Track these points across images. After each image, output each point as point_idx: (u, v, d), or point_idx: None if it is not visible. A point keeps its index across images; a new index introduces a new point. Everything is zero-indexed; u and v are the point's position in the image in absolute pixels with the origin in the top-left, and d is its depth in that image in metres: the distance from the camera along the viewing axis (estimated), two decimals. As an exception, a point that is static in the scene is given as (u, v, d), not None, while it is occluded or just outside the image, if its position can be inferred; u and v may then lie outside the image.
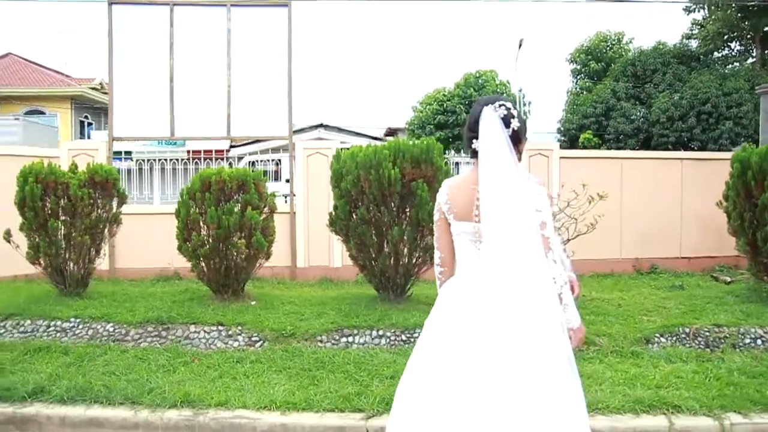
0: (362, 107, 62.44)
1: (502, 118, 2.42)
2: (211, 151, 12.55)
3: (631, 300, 6.64)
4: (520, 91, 24.95)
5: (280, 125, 9.29)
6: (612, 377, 4.63)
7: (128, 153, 14.77)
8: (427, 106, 26.53)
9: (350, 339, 5.53)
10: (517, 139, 2.46)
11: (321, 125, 24.33)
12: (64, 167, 6.63)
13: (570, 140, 24.40)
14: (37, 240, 6.16)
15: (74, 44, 57.25)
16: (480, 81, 26.14)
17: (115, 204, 6.66)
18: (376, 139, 20.24)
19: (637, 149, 20.92)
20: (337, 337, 5.56)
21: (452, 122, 25.79)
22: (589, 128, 23.55)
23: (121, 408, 4.23)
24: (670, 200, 9.57)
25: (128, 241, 8.56)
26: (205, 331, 5.67)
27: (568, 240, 6.50)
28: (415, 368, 2.47)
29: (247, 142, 15.55)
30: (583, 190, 6.67)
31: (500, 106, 2.44)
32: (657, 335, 5.52)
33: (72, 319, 5.81)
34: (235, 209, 6.13)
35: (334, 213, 6.45)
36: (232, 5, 9.05)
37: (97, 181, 6.38)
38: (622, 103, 23.05)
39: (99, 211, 6.45)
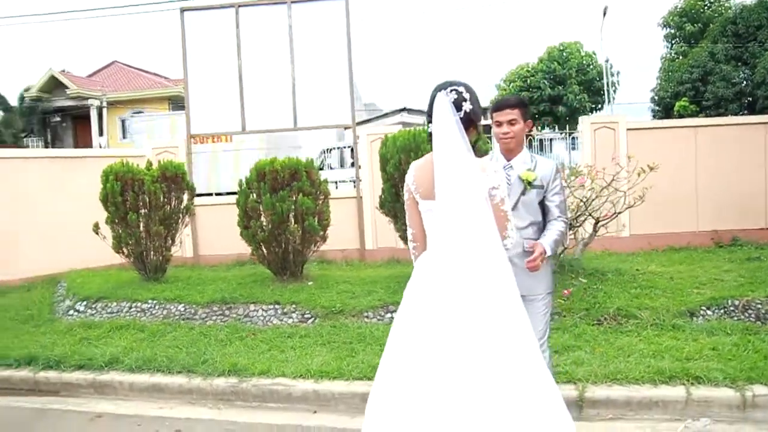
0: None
1: (453, 102, 2.60)
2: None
3: (688, 273, 6.44)
4: (607, 61, 23.89)
5: (343, 114, 9.67)
6: (643, 350, 4.63)
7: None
8: (511, 84, 26.09)
9: (394, 314, 5.81)
10: (469, 120, 2.63)
11: (404, 109, 24.64)
12: (153, 165, 7.28)
13: (665, 109, 23.15)
14: (119, 232, 6.91)
15: (167, 47, 60.72)
16: (564, 54, 25.31)
17: (186, 197, 7.29)
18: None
19: (741, 115, 19.53)
20: (383, 313, 5.88)
21: (537, 98, 25.23)
22: (684, 95, 22.20)
23: (178, 376, 4.79)
24: (753, 168, 9.05)
25: (209, 230, 9.32)
26: (263, 310, 6.16)
27: (617, 213, 6.42)
28: (391, 339, 2.71)
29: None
30: (629, 162, 6.54)
31: (451, 91, 2.63)
32: (703, 308, 5.39)
33: (150, 301, 6.50)
34: (289, 196, 6.56)
35: (382, 195, 6.74)
36: (292, 2, 9.50)
37: (168, 176, 7.04)
38: (722, 66, 21.50)
39: (172, 203, 7.10)
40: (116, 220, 6.90)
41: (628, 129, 9.24)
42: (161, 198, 6.97)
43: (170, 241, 7.23)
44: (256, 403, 4.48)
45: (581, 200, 6.17)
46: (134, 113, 23.56)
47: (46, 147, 23.19)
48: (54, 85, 23.54)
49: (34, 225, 8.48)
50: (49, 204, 8.64)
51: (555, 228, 3.13)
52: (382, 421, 2.51)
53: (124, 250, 7.02)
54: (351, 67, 9.54)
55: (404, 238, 6.72)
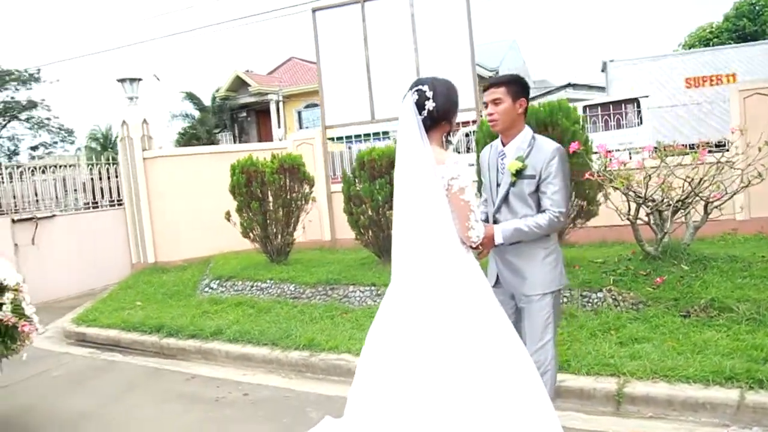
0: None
1: (415, 103, 2.67)
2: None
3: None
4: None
5: (467, 98, 9.72)
6: (722, 346, 4.24)
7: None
8: (691, 48, 23.60)
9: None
10: (435, 118, 2.67)
11: (569, 84, 23.61)
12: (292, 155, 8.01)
13: None
14: (245, 219, 7.79)
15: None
16: (755, 8, 22.24)
17: (306, 187, 7.96)
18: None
19: None
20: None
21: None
22: None
23: (264, 347, 5.40)
24: None
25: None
26: (360, 291, 6.59)
27: (733, 193, 5.79)
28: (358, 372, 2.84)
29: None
30: (740, 136, 5.83)
31: (415, 91, 2.69)
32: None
33: (268, 281, 7.27)
34: (388, 184, 6.88)
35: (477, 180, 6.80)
36: (413, -8, 9.73)
37: (286, 168, 7.74)
38: None
39: (290, 192, 7.81)
40: (243, 209, 7.78)
41: (786, 96, 8.10)
42: (280, 188, 7.70)
43: (292, 227, 7.96)
44: (322, 375, 4.92)
45: (686, 180, 5.68)
46: (307, 105, 25.52)
47: (234, 140, 26.00)
48: (239, 84, 26.20)
49: (195, 213, 9.76)
50: (206, 194, 9.89)
51: (529, 219, 2.92)
52: None
53: (251, 235, 7.89)
54: (473, 51, 9.55)
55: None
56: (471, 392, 2.46)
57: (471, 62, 9.50)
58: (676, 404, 3.69)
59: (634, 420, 3.70)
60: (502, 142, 3.09)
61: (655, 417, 3.71)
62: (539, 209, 2.96)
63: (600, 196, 6.09)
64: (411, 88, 2.72)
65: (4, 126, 27.25)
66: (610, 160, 5.59)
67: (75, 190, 10.37)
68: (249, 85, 25.92)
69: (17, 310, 3.86)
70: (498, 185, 3.09)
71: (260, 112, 27.26)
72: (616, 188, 5.46)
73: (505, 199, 3.03)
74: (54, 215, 9.10)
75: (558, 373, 4.17)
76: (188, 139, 25.24)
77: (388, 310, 2.73)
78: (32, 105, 26.79)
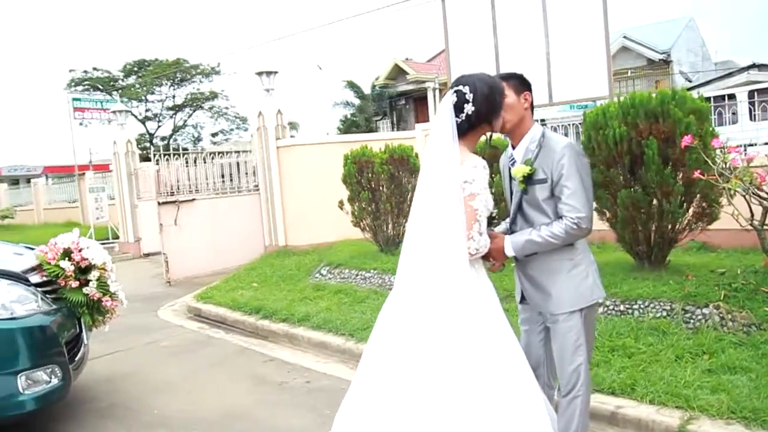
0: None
1: (454, 105, 2.49)
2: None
3: None
4: None
5: (601, 84, 9.01)
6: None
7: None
8: None
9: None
10: (471, 122, 2.49)
11: (753, 65, 20.91)
12: (418, 147, 8.09)
13: None
14: (356, 208, 7.95)
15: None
16: None
17: (415, 177, 7.93)
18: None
19: None
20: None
21: None
22: None
23: (341, 337, 5.51)
24: None
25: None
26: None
27: None
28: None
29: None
30: None
31: (455, 92, 2.51)
32: None
33: (371, 270, 7.38)
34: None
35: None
36: (546, -27, 9.19)
37: (396, 159, 7.77)
38: None
39: (401, 183, 7.83)
40: (354, 199, 7.96)
41: None
42: (390, 178, 7.74)
43: (402, 217, 7.98)
44: (386, 371, 4.90)
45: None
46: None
47: (393, 128, 26.66)
48: (398, 72, 26.73)
49: (322, 199, 10.07)
50: (334, 182, 10.21)
51: (543, 228, 2.59)
52: None
53: (361, 224, 8.05)
54: (608, 37, 8.80)
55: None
56: (459, 420, 2.30)
57: (606, 51, 8.75)
58: (750, 452, 3.14)
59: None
60: (512, 145, 2.79)
61: (722, 462, 3.20)
62: (558, 216, 2.62)
63: (722, 198, 5.33)
64: (452, 87, 2.55)
65: (191, 115, 30.56)
66: (730, 156, 4.87)
67: (230, 175, 11.29)
68: (407, 74, 26.35)
69: (103, 286, 4.31)
70: (512, 194, 2.82)
71: (418, 100, 27.62)
72: (732, 189, 4.74)
73: (519, 208, 2.74)
74: (194, 199, 10.03)
75: (619, 397, 3.80)
76: (348, 126, 26.37)
77: (384, 322, 2.61)
78: (213, 95, 29.72)
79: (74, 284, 4.16)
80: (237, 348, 5.85)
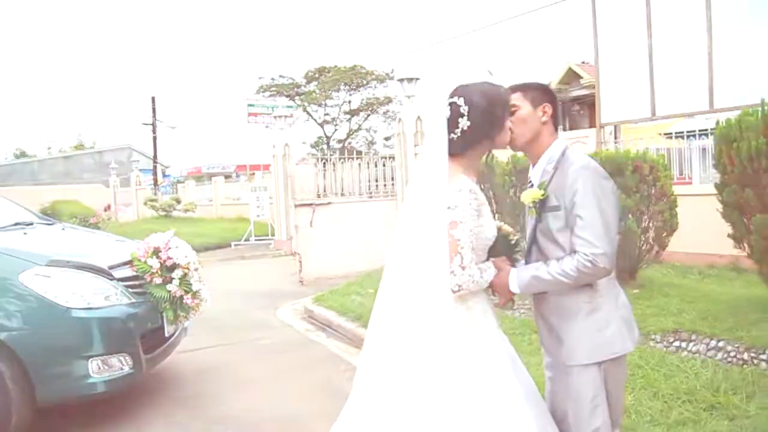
0: None
1: (448, 119, 2.24)
2: None
3: None
4: None
5: (772, 89, 7.74)
6: None
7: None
8: None
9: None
10: (467, 139, 2.23)
11: None
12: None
13: None
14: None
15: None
16: None
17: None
18: None
19: None
20: (670, 340, 4.88)
21: None
22: None
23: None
24: None
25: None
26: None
27: None
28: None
29: None
30: None
31: (448, 105, 2.25)
32: None
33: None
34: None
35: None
36: (712, -37, 8.12)
37: (519, 170, 7.35)
38: None
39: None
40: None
41: None
42: (508, 190, 7.35)
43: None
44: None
45: None
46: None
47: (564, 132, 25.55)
48: (572, 76, 25.47)
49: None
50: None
51: (553, 263, 2.19)
52: None
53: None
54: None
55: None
56: None
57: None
58: None
59: None
60: (532, 165, 2.41)
61: None
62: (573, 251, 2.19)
63: None
64: (449, 97, 2.26)
65: (366, 119, 31.89)
66: None
67: (376, 180, 11.58)
68: (581, 78, 24.98)
69: (185, 285, 4.60)
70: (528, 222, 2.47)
71: (592, 106, 26.06)
72: None
73: (534, 239, 2.33)
74: (330, 202, 10.39)
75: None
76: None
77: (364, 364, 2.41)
78: (388, 100, 30.70)
79: (159, 281, 4.49)
80: (328, 354, 5.92)
